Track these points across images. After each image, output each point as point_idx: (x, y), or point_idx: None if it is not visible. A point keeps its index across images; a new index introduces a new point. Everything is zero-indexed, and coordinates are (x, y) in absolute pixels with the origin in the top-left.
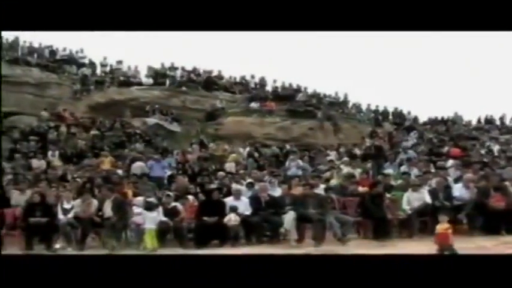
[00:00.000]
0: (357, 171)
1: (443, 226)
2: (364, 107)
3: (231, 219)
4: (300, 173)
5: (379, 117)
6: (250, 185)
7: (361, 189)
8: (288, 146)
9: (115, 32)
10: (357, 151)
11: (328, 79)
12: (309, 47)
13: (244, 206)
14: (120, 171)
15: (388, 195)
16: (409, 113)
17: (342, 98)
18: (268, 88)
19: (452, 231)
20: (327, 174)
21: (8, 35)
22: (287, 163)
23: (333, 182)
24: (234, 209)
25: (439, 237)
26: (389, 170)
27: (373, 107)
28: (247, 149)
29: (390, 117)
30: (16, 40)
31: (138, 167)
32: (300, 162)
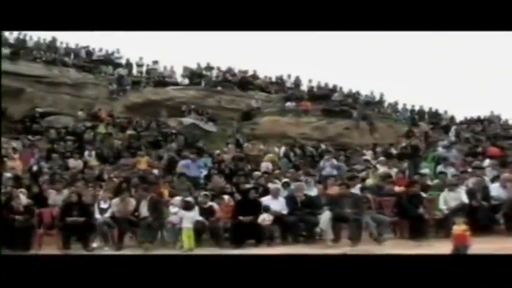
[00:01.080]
0: (393, 171)
1: (460, 227)
2: (400, 107)
3: (265, 219)
4: (335, 172)
5: (415, 116)
6: (286, 185)
7: (397, 189)
8: (323, 146)
9: (149, 32)
10: (393, 151)
11: (364, 78)
12: (344, 47)
13: (280, 205)
14: (156, 171)
15: (424, 195)
16: (445, 112)
17: (377, 98)
18: (304, 88)
19: (471, 232)
20: (363, 174)
21: (46, 36)
22: (321, 163)
23: (369, 181)
24: (267, 209)
25: (457, 238)
26: (425, 170)
27: (409, 107)
28: (283, 148)
29: (426, 116)
30: (53, 41)
31: (182, 166)
32: (335, 162)
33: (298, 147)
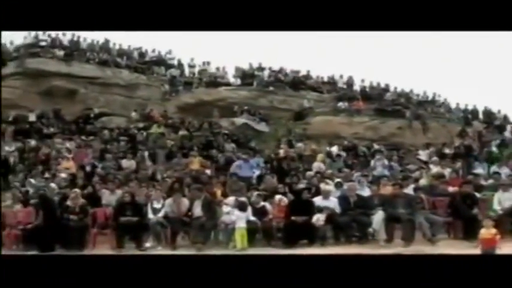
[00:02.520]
0: (447, 171)
1: (489, 231)
2: (453, 106)
3: (319, 219)
4: (386, 172)
5: (468, 116)
6: (338, 185)
7: (451, 189)
8: (375, 146)
9: (202, 32)
10: (447, 150)
11: (417, 78)
12: (397, 46)
13: (332, 205)
14: (208, 171)
15: (478, 195)
16: (498, 111)
17: (430, 97)
18: (356, 87)
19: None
20: (416, 174)
21: (99, 37)
22: (372, 162)
23: (423, 181)
24: (320, 209)
25: (485, 242)
26: (479, 170)
27: (462, 106)
28: (335, 148)
29: (480, 116)
30: (106, 42)
31: (234, 166)
32: (386, 162)
33: (350, 147)
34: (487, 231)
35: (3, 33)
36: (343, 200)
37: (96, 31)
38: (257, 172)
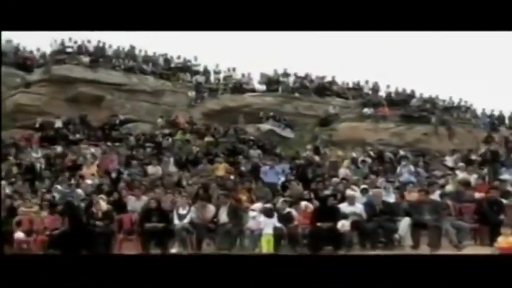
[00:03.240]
0: (473, 177)
1: (508, 239)
2: (479, 111)
3: (344, 225)
4: (413, 178)
5: (495, 121)
6: (364, 191)
7: (477, 195)
8: (401, 152)
9: (228, 39)
10: (473, 156)
11: (443, 83)
12: (422, 51)
13: (358, 212)
14: (234, 177)
15: (505, 201)
16: None
17: (456, 103)
18: (382, 93)
19: None
20: (442, 180)
21: (125, 44)
22: (399, 169)
23: (449, 187)
24: (346, 215)
25: (503, 251)
26: (506, 176)
27: (488, 111)
28: (361, 154)
29: (506, 121)
30: (132, 49)
31: (260, 172)
32: (412, 168)
33: (376, 153)
34: (504, 240)
35: (3, 33)
36: (368, 206)
37: (97, 31)
38: (283, 178)
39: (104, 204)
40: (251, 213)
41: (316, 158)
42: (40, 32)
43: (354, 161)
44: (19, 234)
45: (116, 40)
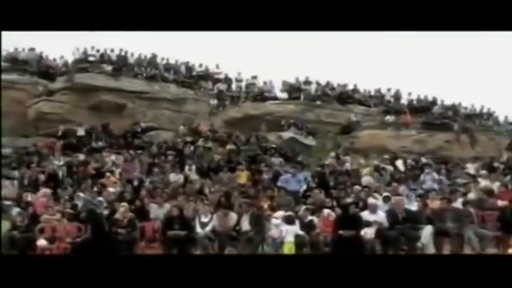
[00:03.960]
0: (496, 185)
1: None
2: (501, 119)
3: (367, 233)
4: (436, 186)
5: None
6: (386, 199)
7: (500, 203)
8: (423, 159)
9: (250, 47)
10: (495, 164)
11: (465, 91)
12: (444, 59)
13: (380, 220)
14: (255, 185)
15: None
16: None
17: (478, 110)
18: (404, 101)
19: None
20: (465, 187)
21: (146, 52)
22: (422, 176)
23: (471, 195)
24: (368, 223)
25: None
26: None
27: (511, 119)
28: (383, 162)
29: None
30: (154, 57)
31: (282, 180)
32: (436, 176)
33: (397, 160)
34: None
35: (4, 33)
36: (391, 214)
37: (98, 31)
38: (304, 186)
39: (126, 212)
40: (273, 221)
41: (338, 166)
42: (62, 40)
43: (376, 168)
44: (42, 242)
45: (138, 48)
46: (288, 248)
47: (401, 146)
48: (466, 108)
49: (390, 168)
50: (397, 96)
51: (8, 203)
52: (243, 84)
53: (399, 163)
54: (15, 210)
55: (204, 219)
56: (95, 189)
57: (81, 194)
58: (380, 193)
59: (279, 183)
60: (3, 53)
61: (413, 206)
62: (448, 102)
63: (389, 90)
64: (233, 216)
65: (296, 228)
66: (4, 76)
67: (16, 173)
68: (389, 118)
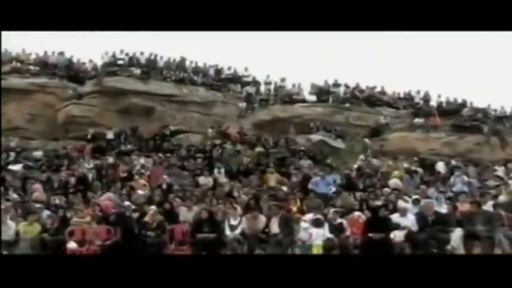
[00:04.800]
0: None
1: None
2: None
3: (396, 235)
4: (466, 189)
5: None
6: (416, 202)
7: None
8: (453, 162)
9: (280, 50)
10: None
11: (494, 93)
12: (474, 61)
13: (410, 222)
14: (285, 188)
15: None
16: None
17: (508, 112)
18: (433, 103)
19: None
20: (495, 190)
21: (175, 56)
22: (452, 179)
23: (502, 198)
24: (398, 226)
25: None
26: None
27: None
28: (413, 164)
29: None
30: (182, 60)
31: (311, 183)
32: (465, 178)
33: (428, 163)
34: None
35: (4, 33)
36: (420, 217)
37: (99, 31)
38: (334, 189)
39: (155, 215)
40: (302, 224)
41: (367, 169)
42: (92, 44)
43: (406, 171)
44: (71, 245)
45: (166, 52)
46: (317, 251)
47: (431, 149)
48: (496, 110)
49: (420, 170)
50: (426, 99)
51: (38, 205)
52: (272, 87)
53: (440, 165)
54: (46, 213)
55: (234, 222)
56: (124, 192)
57: (112, 195)
58: (410, 196)
59: (308, 186)
60: (33, 56)
61: (443, 209)
62: (477, 104)
63: (418, 92)
64: (262, 219)
65: (325, 231)
66: (34, 80)
67: (46, 176)
68: (419, 120)
